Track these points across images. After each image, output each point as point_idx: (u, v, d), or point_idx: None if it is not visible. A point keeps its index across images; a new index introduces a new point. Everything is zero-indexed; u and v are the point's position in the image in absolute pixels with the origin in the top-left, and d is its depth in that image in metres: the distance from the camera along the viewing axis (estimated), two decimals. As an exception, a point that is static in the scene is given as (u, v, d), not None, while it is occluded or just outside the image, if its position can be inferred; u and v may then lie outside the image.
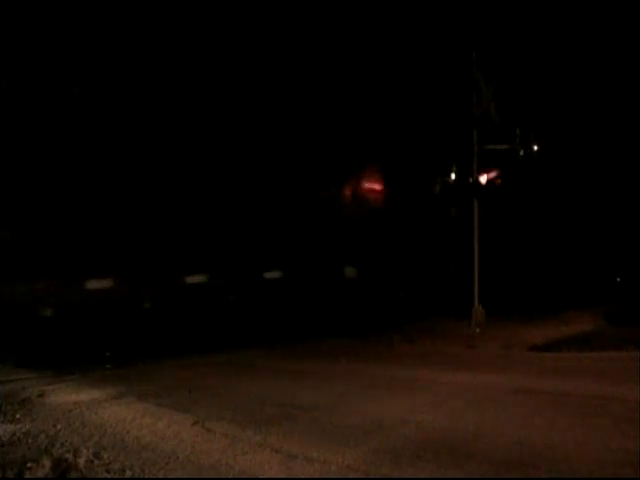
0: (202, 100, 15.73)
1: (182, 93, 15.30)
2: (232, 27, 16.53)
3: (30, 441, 5.94)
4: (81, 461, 5.28)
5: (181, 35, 15.44)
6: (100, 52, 13.89)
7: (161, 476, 4.91)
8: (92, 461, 5.28)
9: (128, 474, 4.96)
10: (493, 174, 16.55)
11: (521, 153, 15.80)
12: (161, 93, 14.91)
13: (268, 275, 17.07)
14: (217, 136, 16.26)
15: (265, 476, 4.85)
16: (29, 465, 5.16)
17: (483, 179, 15.82)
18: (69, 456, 5.42)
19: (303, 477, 4.80)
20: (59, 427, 6.43)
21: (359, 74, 17.90)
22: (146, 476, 4.92)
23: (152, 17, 15.10)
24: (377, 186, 18.58)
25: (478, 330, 14.22)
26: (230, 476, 4.86)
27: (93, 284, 14.19)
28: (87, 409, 7.29)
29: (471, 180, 15.85)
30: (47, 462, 5.25)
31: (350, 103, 17.53)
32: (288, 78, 16.50)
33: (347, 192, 19.33)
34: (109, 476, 4.96)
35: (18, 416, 6.99)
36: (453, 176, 18.13)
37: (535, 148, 16.18)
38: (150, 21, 15.07)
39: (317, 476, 4.80)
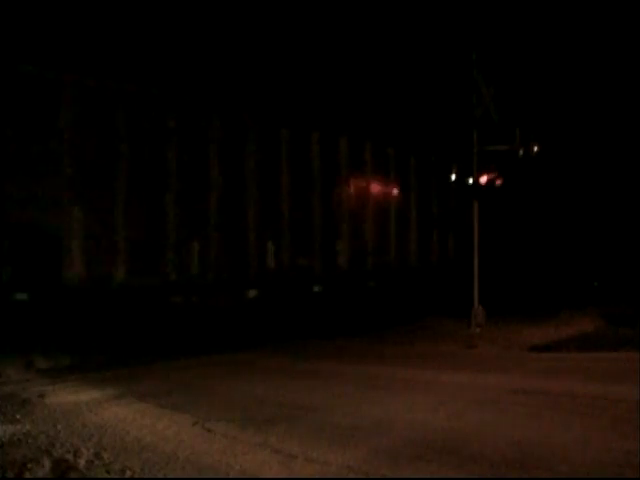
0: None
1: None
2: (238, 25, 16.60)
3: (30, 441, 5.93)
4: (81, 461, 5.29)
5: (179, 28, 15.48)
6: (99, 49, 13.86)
7: (161, 476, 4.91)
8: (92, 461, 5.28)
9: (128, 474, 4.96)
10: (493, 175, 16.58)
11: (521, 153, 15.82)
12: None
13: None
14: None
15: (265, 476, 4.85)
16: (29, 465, 5.16)
17: (483, 180, 15.86)
18: (69, 456, 5.42)
19: (303, 477, 4.81)
20: (59, 427, 6.43)
21: (358, 73, 17.92)
22: (146, 476, 4.92)
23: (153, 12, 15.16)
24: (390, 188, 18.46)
25: (478, 330, 14.23)
26: (230, 476, 4.87)
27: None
28: (87, 410, 7.29)
29: (471, 181, 15.88)
30: (47, 462, 5.25)
31: (349, 102, 17.52)
32: (284, 81, 16.50)
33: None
34: (109, 476, 4.96)
35: (18, 416, 6.99)
36: (453, 177, 18.18)
37: (535, 149, 16.19)
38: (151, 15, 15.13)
39: (317, 476, 4.80)
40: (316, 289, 15.23)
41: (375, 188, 17.07)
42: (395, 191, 17.70)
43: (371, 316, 15.38)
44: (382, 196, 17.27)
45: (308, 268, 15.13)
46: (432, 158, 18.76)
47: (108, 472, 5.04)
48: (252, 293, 14.06)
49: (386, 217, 17.35)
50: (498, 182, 16.98)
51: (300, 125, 15.37)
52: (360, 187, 16.64)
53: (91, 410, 7.26)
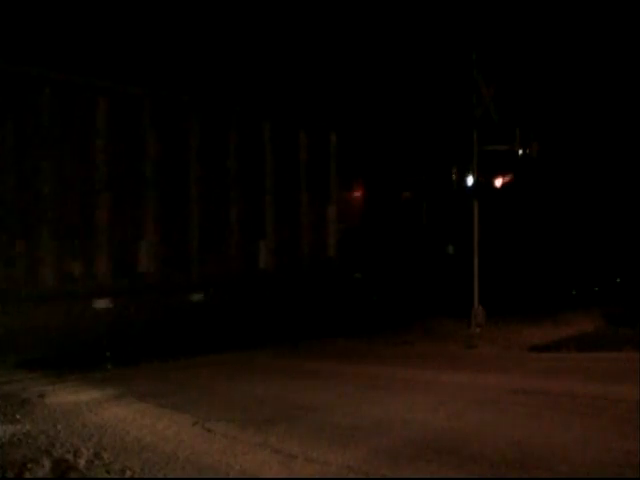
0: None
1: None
2: (234, 27, 16.60)
3: (30, 441, 5.93)
4: (81, 461, 5.29)
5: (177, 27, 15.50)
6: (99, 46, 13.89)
7: (161, 476, 4.91)
8: (92, 461, 5.28)
9: (128, 474, 4.96)
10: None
11: (520, 153, 15.84)
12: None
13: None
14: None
15: (265, 476, 4.85)
16: (29, 465, 5.16)
17: (498, 182, 15.95)
18: (69, 456, 5.42)
19: (303, 477, 4.81)
20: (59, 427, 6.43)
21: (358, 72, 17.95)
22: (146, 476, 4.92)
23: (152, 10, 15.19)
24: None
25: (478, 330, 14.23)
26: (230, 476, 4.87)
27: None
28: (87, 409, 7.29)
29: (471, 181, 15.89)
30: (47, 462, 5.25)
31: (349, 103, 17.56)
32: (284, 79, 16.52)
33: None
34: (109, 476, 4.96)
35: (18, 416, 6.99)
36: (453, 177, 18.20)
37: (535, 149, 16.21)
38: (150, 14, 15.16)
39: (317, 476, 4.80)
40: (100, 305, 11.20)
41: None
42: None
43: (193, 341, 11.84)
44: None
45: (87, 276, 11.25)
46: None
47: (108, 472, 5.04)
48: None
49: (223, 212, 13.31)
50: (498, 182, 17.00)
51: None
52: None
53: (91, 410, 7.26)
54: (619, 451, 4.98)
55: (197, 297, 12.37)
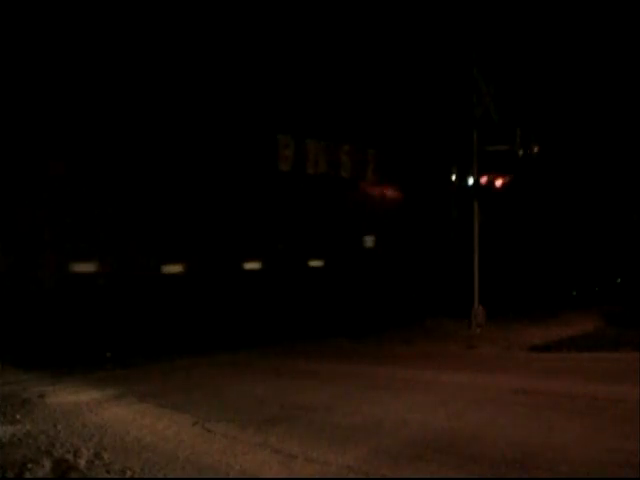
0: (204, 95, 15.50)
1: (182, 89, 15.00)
2: (232, 24, 16.49)
3: (30, 442, 5.93)
4: (82, 462, 5.29)
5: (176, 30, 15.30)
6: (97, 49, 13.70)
7: (161, 476, 4.92)
8: (92, 461, 5.29)
9: (128, 474, 4.96)
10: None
11: (520, 153, 15.83)
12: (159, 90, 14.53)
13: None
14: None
15: (265, 476, 4.86)
16: (29, 466, 5.17)
17: (498, 183, 15.96)
18: (69, 456, 5.42)
19: (303, 477, 4.81)
20: (59, 428, 6.43)
21: (358, 73, 17.93)
22: (146, 476, 4.93)
23: (149, 13, 14.99)
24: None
25: (478, 330, 14.24)
26: (230, 476, 4.87)
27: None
28: (87, 410, 7.29)
29: (471, 181, 15.89)
30: (47, 463, 5.25)
31: (349, 103, 17.55)
32: (285, 79, 16.49)
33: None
34: (110, 476, 4.97)
35: (18, 417, 6.99)
36: (453, 177, 18.19)
37: (535, 149, 16.21)
38: (146, 17, 14.96)
39: (317, 476, 4.81)
40: None
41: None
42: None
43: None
44: None
45: None
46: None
47: (108, 472, 5.04)
48: None
49: None
50: (498, 183, 16.99)
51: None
52: None
53: (91, 410, 7.26)
54: (619, 451, 4.99)
55: None
